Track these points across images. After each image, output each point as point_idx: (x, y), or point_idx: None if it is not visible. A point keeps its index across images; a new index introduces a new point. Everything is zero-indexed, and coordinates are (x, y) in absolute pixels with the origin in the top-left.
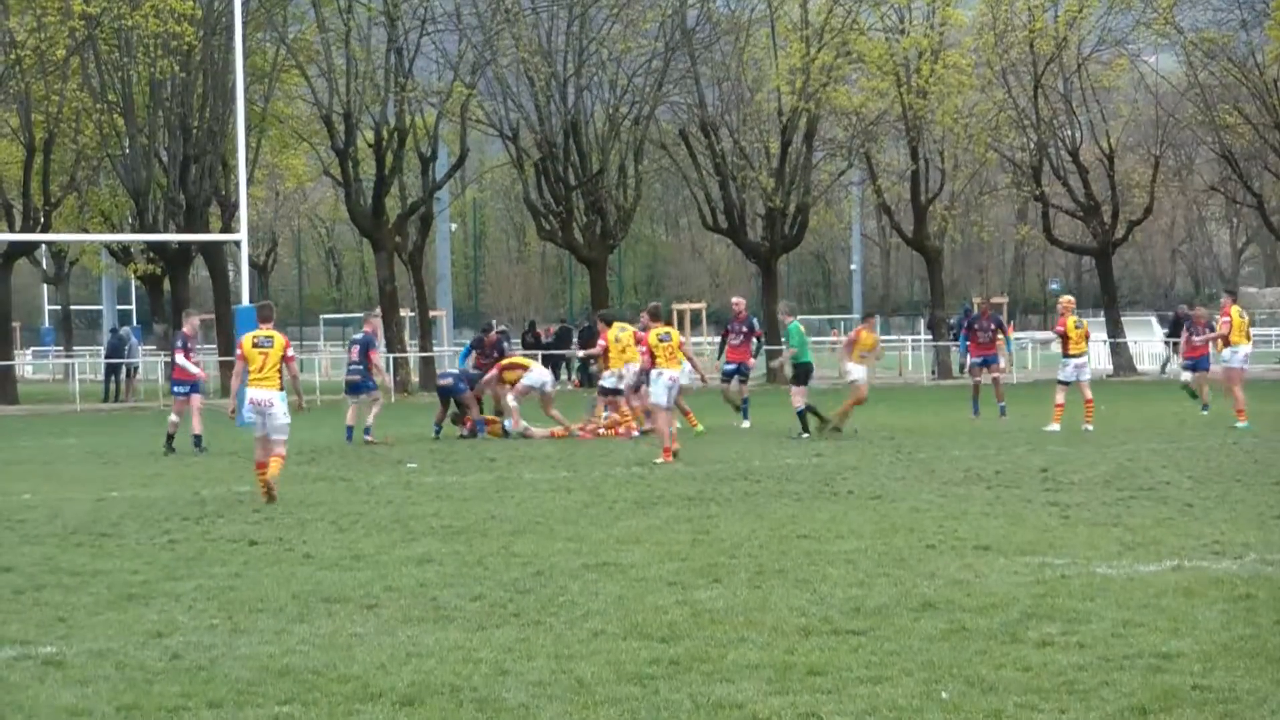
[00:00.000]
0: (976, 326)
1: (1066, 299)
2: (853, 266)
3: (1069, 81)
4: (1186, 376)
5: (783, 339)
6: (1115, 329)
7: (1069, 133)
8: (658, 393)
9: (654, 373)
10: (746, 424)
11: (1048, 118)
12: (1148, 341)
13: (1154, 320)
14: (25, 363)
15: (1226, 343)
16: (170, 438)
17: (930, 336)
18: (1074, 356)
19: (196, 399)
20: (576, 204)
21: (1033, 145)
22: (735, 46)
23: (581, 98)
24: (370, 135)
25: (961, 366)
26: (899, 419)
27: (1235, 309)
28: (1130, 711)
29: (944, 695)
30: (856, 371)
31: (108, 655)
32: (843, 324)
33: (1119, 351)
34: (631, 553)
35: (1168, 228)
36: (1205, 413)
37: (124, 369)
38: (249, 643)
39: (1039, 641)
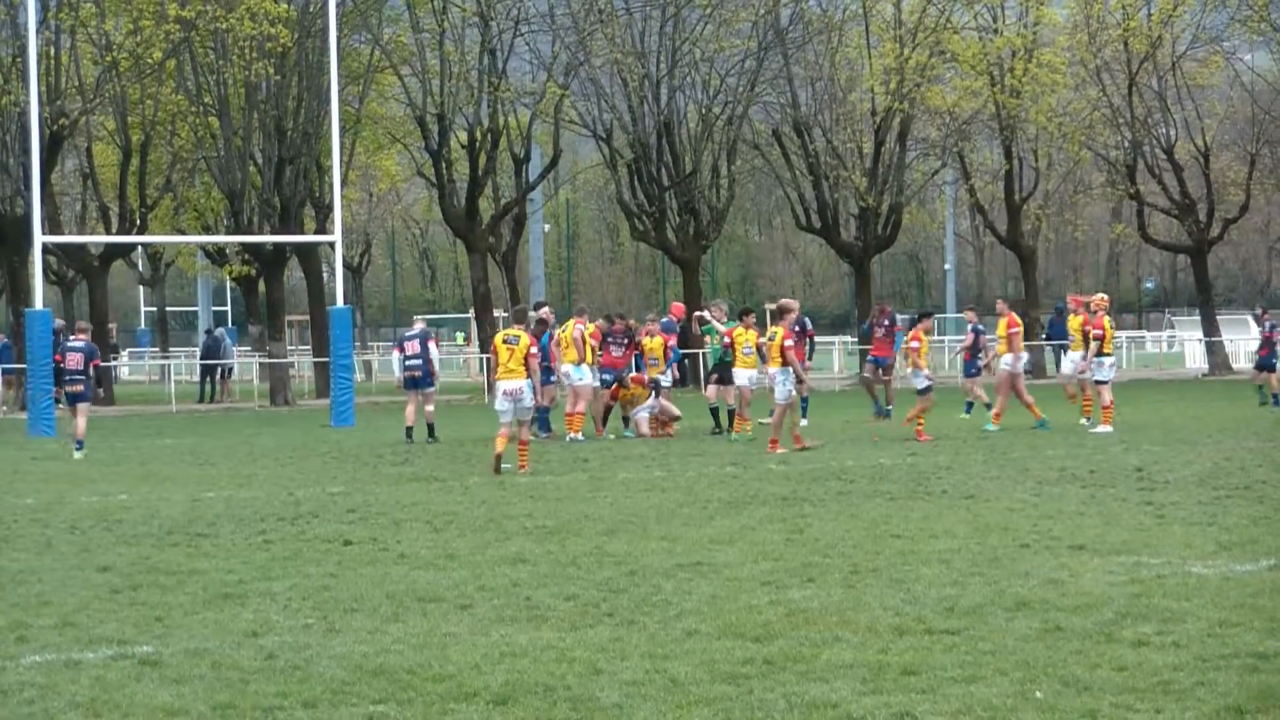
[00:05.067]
0: (873, 324)
1: (1100, 297)
2: (946, 266)
3: (1163, 79)
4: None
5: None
6: (1211, 328)
7: (1163, 131)
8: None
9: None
10: (804, 422)
11: (1142, 116)
12: (1244, 340)
13: (1250, 319)
14: (121, 364)
15: (1011, 349)
16: (415, 430)
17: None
18: (1108, 355)
19: (432, 393)
20: (670, 204)
21: (1127, 144)
22: (828, 46)
23: (674, 98)
24: (464, 136)
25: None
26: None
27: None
28: (1227, 712)
29: (1038, 695)
30: (920, 378)
31: (203, 654)
32: (937, 324)
33: (1214, 350)
34: (725, 552)
35: (1263, 225)
36: (967, 415)
37: (219, 370)
38: (343, 642)
39: (1134, 641)
